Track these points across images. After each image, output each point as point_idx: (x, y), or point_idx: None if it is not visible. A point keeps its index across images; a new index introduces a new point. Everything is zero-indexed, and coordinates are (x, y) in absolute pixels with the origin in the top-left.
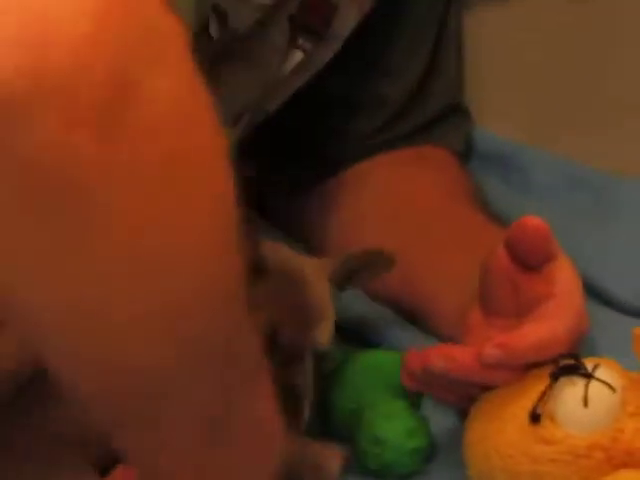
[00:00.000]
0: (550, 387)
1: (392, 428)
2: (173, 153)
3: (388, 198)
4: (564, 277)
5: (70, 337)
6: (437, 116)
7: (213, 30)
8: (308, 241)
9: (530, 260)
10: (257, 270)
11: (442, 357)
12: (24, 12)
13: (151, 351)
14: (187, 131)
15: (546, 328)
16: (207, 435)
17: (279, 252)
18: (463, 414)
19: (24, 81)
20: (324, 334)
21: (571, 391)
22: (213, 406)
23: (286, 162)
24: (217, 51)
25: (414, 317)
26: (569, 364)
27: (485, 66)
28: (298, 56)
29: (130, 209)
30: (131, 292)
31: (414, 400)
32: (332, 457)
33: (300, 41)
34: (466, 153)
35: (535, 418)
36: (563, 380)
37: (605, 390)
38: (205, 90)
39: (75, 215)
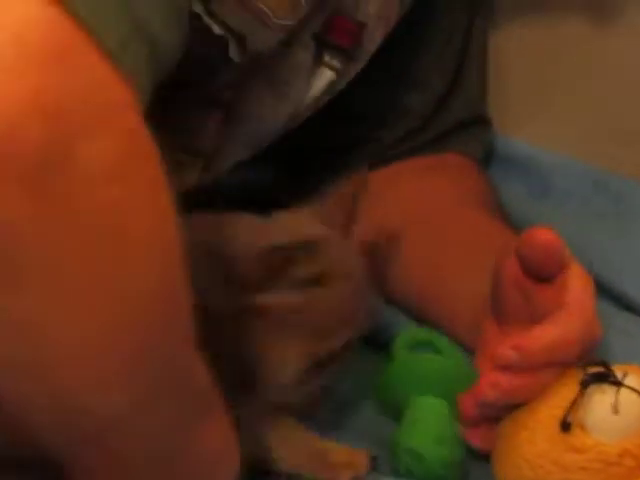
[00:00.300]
0: (580, 395)
1: (429, 449)
2: (109, 215)
3: (404, 205)
4: (575, 285)
5: (16, 381)
6: (457, 126)
7: (233, 53)
8: None
9: (541, 273)
10: (320, 279)
11: (491, 386)
12: None
13: (101, 392)
14: (124, 191)
15: (558, 331)
16: (158, 468)
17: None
18: None
19: None
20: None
21: (601, 399)
22: (163, 440)
23: (304, 169)
24: (240, 73)
25: (428, 322)
26: (598, 372)
27: (510, 78)
28: (328, 74)
29: (64, 266)
30: (71, 337)
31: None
32: (361, 456)
33: (326, 58)
34: (487, 158)
35: (566, 427)
36: (593, 388)
37: (635, 397)
38: (151, 150)
39: (8, 272)
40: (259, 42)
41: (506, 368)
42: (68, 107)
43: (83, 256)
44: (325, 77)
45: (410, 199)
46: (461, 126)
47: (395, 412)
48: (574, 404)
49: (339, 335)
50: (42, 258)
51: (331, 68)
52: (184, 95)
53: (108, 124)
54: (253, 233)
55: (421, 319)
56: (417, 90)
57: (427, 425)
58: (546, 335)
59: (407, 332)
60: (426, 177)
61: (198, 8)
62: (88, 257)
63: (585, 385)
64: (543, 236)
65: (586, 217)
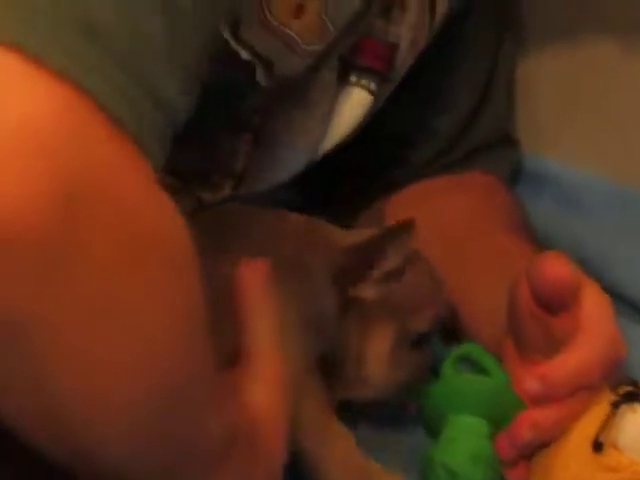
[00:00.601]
0: (612, 415)
1: (464, 467)
2: (117, 286)
3: (429, 223)
4: (591, 306)
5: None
6: (485, 145)
7: (260, 77)
8: None
9: (553, 305)
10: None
11: (528, 427)
12: None
13: (112, 445)
14: (135, 262)
15: (579, 355)
16: None
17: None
18: None
19: None
20: None
21: (633, 418)
22: None
23: (333, 191)
24: (267, 97)
25: None
26: (629, 391)
27: (540, 98)
28: (363, 96)
29: (73, 344)
30: (81, 402)
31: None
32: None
33: (353, 78)
34: (516, 176)
35: (598, 447)
36: (624, 407)
37: None
38: (166, 220)
39: (22, 349)
40: (286, 68)
41: (536, 403)
42: (76, 191)
43: (93, 332)
44: (359, 98)
45: (436, 217)
46: (489, 145)
47: (435, 430)
48: (606, 424)
49: (423, 314)
50: (51, 337)
51: (366, 89)
52: (213, 119)
53: (116, 204)
54: (338, 234)
55: None
56: (446, 111)
57: (464, 443)
58: (568, 362)
59: (455, 351)
60: (453, 195)
61: (226, 34)
62: (99, 333)
63: (616, 405)
64: (553, 271)
65: (614, 233)
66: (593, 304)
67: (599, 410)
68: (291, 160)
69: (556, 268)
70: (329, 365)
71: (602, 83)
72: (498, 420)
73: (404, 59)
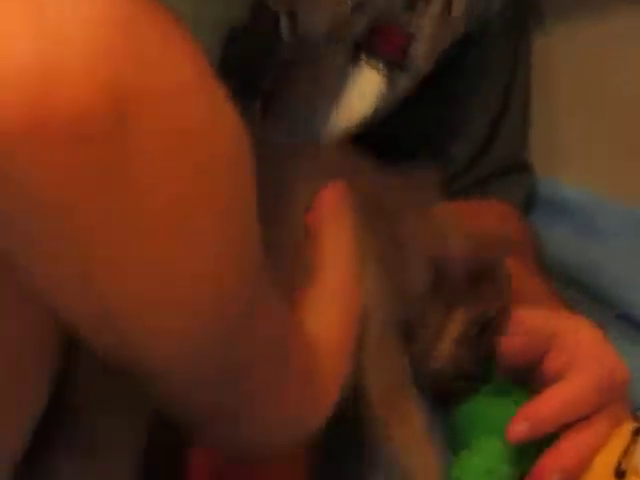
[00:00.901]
0: (633, 442)
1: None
2: (167, 181)
3: None
4: (575, 340)
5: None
6: (499, 171)
7: (284, 28)
8: None
9: (532, 361)
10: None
11: (556, 472)
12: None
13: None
14: (187, 158)
15: (568, 388)
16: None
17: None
18: None
19: (27, 119)
20: None
21: None
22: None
23: None
24: (286, 59)
25: None
26: None
27: (555, 121)
28: (376, 78)
29: (129, 240)
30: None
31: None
32: None
33: (363, 58)
34: (530, 201)
35: (620, 474)
36: None
37: None
38: (217, 102)
39: (75, 245)
40: (309, 21)
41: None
42: (129, 88)
43: (148, 230)
44: (369, 77)
45: None
46: (502, 172)
47: (459, 450)
48: (627, 451)
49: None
50: (108, 237)
51: (375, 69)
52: (234, 75)
53: (168, 99)
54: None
55: None
56: (461, 138)
57: (480, 460)
58: (557, 395)
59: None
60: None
61: None
62: (147, 231)
63: (637, 432)
64: (508, 344)
65: (629, 257)
66: (578, 336)
67: (621, 437)
68: (300, 132)
69: (511, 341)
70: (404, 334)
71: (617, 106)
72: (521, 449)
73: (424, 52)
